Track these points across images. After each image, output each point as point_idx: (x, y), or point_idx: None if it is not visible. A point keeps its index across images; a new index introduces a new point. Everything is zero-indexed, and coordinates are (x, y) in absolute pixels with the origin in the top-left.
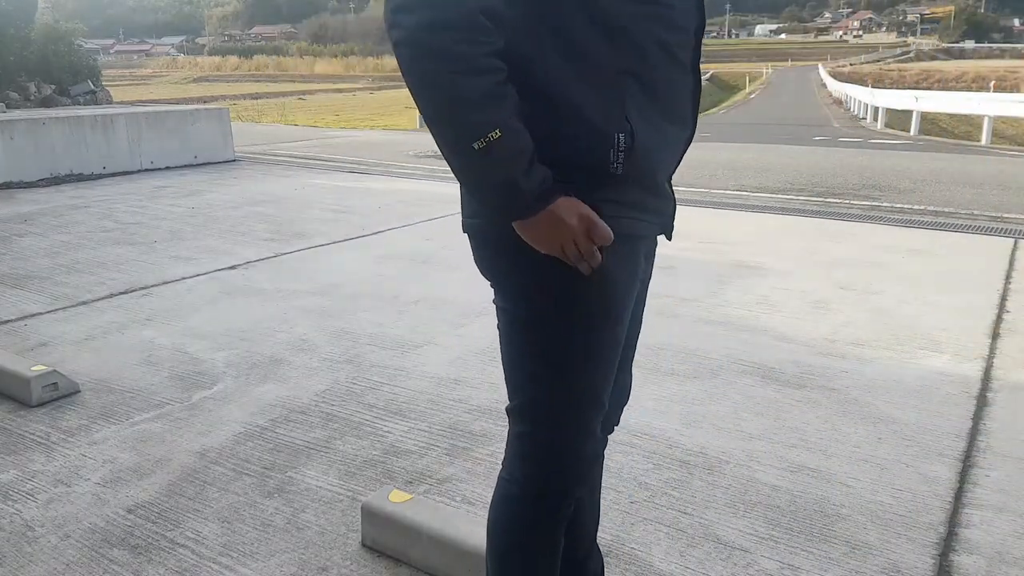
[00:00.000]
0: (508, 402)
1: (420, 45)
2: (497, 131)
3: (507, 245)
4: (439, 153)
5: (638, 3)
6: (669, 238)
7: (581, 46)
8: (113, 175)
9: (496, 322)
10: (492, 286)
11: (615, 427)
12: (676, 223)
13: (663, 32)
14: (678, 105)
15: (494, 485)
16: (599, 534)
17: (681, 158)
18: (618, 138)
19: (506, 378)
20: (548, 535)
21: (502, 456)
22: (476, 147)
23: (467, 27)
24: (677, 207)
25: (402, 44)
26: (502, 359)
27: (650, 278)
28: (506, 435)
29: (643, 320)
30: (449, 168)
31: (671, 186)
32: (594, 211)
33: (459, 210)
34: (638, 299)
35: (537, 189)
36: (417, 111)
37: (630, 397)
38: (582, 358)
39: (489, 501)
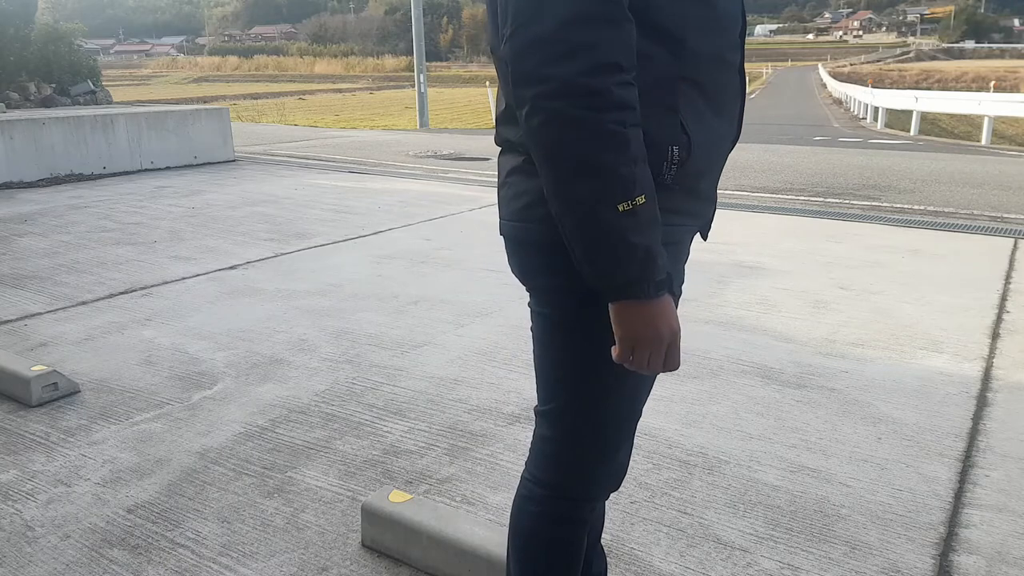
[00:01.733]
0: (538, 405)
1: (558, 111)
2: (643, 196)
3: (540, 247)
4: (439, 153)
5: (691, 6)
6: (704, 238)
7: (638, 54)
8: (113, 175)
9: (531, 326)
10: (527, 289)
11: None
12: None
13: (716, 37)
14: (727, 107)
15: (494, 485)
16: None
17: (726, 159)
18: (671, 151)
19: (537, 381)
20: (568, 537)
21: (502, 456)
22: (620, 209)
23: (614, 55)
24: (717, 208)
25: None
26: (534, 362)
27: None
28: (506, 435)
29: None
30: (566, 230)
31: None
32: None
33: (459, 210)
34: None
35: (663, 272)
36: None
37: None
38: (612, 364)
39: (489, 501)
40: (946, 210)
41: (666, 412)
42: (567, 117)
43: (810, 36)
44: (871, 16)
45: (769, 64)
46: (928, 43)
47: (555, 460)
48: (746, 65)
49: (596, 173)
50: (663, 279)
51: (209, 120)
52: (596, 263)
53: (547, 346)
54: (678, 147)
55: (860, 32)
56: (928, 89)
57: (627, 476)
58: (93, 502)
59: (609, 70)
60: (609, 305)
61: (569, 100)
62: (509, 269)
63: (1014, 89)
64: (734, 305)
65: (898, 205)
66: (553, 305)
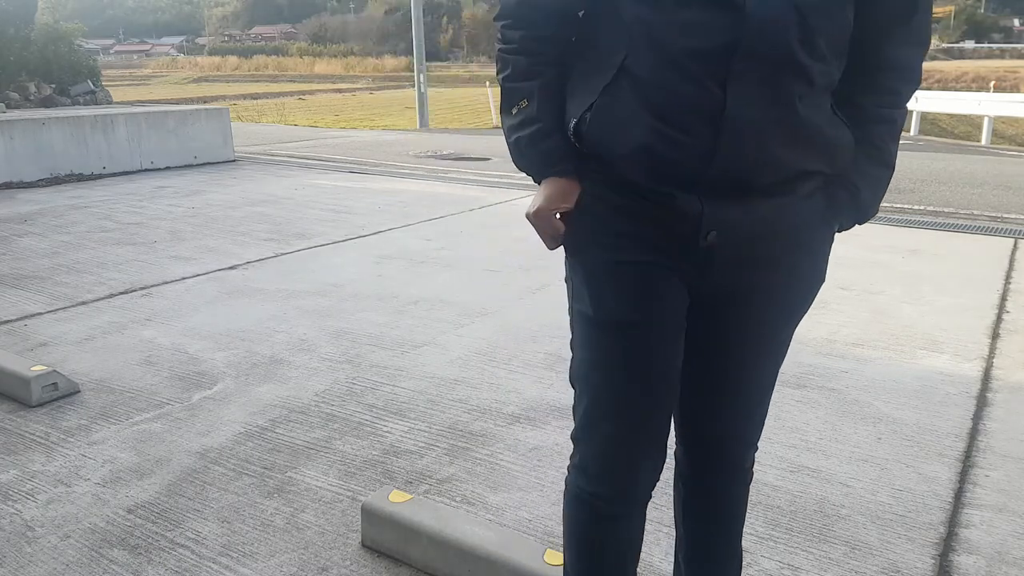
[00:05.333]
0: None
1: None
2: (525, 101)
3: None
4: (439, 153)
5: (651, 11)
6: (696, 248)
7: (590, 37)
8: (113, 175)
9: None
10: None
11: (737, 462)
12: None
13: (673, 42)
14: (675, 114)
15: (494, 485)
16: None
17: (703, 175)
18: (570, 123)
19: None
20: (588, 533)
21: (502, 456)
22: (513, 112)
23: (512, 14)
24: (713, 218)
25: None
26: None
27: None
28: (506, 435)
29: (730, 349)
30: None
31: (700, 199)
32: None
33: (459, 211)
34: (722, 323)
35: (540, 160)
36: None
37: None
38: (588, 361)
39: (489, 501)
40: (946, 210)
41: None
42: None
43: None
44: None
45: None
46: None
47: (572, 451)
48: None
49: (501, 89)
50: (545, 163)
51: (209, 120)
52: (512, 158)
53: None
54: (576, 120)
55: None
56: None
57: None
58: (93, 502)
59: (502, 17)
60: None
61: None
62: (509, 269)
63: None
64: None
65: (898, 205)
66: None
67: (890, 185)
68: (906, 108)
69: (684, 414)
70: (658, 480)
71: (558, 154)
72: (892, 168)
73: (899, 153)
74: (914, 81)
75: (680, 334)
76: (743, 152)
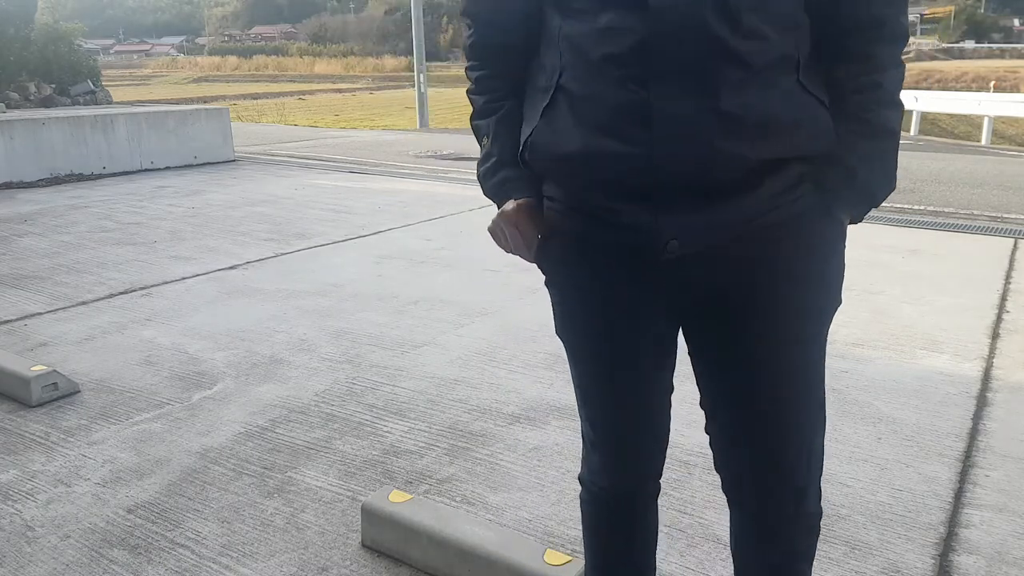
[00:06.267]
0: None
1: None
2: (485, 138)
3: None
4: (439, 153)
5: (574, 22)
6: (663, 261)
7: (539, 60)
8: (113, 175)
9: None
10: None
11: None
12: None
13: (595, 49)
14: (599, 119)
15: (494, 485)
16: None
17: (649, 182)
18: (522, 142)
19: None
20: (588, 520)
21: (502, 456)
22: (481, 147)
23: (471, 57)
24: (680, 223)
25: None
26: None
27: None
28: (506, 435)
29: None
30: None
31: (654, 209)
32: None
33: (459, 210)
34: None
35: (493, 191)
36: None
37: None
38: (572, 371)
39: (489, 501)
40: (946, 210)
41: None
42: None
43: None
44: None
45: None
46: (928, 43)
47: None
48: None
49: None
50: (496, 193)
51: (209, 120)
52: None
53: None
54: (521, 147)
55: None
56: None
57: None
58: (93, 502)
59: (468, 60)
60: None
61: None
62: (509, 269)
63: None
64: None
65: (898, 205)
66: None
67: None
68: (896, 70)
69: (711, 440)
70: (662, 467)
71: (511, 185)
72: (891, 137)
73: (899, 153)
74: (890, 38)
75: (660, 356)
76: (680, 151)
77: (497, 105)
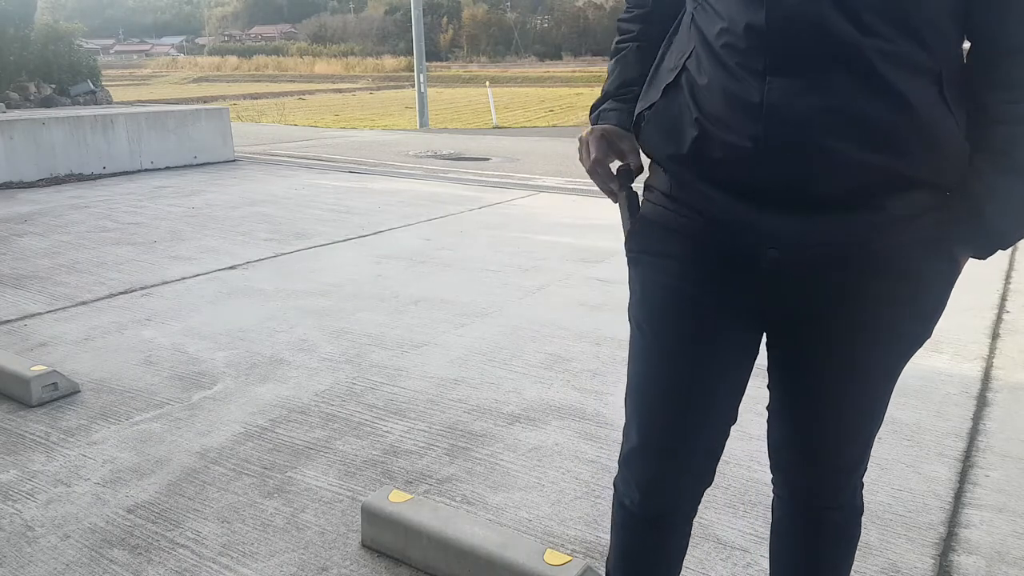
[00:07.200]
0: None
1: None
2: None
3: None
4: (439, 153)
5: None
6: (756, 270)
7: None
8: (113, 175)
9: None
10: None
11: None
12: None
13: (712, 28)
14: (722, 112)
15: (494, 485)
16: (599, 535)
17: (753, 178)
18: (640, 113)
19: None
20: (623, 537)
21: (502, 456)
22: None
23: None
24: (780, 232)
25: None
26: None
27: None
28: (506, 435)
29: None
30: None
31: (756, 209)
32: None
33: (459, 210)
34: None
35: (592, 118)
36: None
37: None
38: (631, 360)
39: (489, 501)
40: None
41: None
42: None
43: None
44: None
45: None
46: None
47: None
48: None
49: None
50: (593, 120)
51: (209, 120)
52: None
53: None
54: (636, 117)
55: None
56: None
57: None
58: (93, 502)
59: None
60: None
61: None
62: (509, 269)
63: None
64: None
65: None
66: None
67: None
68: None
69: (770, 443)
70: (702, 495)
71: (604, 114)
72: None
73: None
74: None
75: (737, 364)
76: (789, 148)
77: (624, 46)
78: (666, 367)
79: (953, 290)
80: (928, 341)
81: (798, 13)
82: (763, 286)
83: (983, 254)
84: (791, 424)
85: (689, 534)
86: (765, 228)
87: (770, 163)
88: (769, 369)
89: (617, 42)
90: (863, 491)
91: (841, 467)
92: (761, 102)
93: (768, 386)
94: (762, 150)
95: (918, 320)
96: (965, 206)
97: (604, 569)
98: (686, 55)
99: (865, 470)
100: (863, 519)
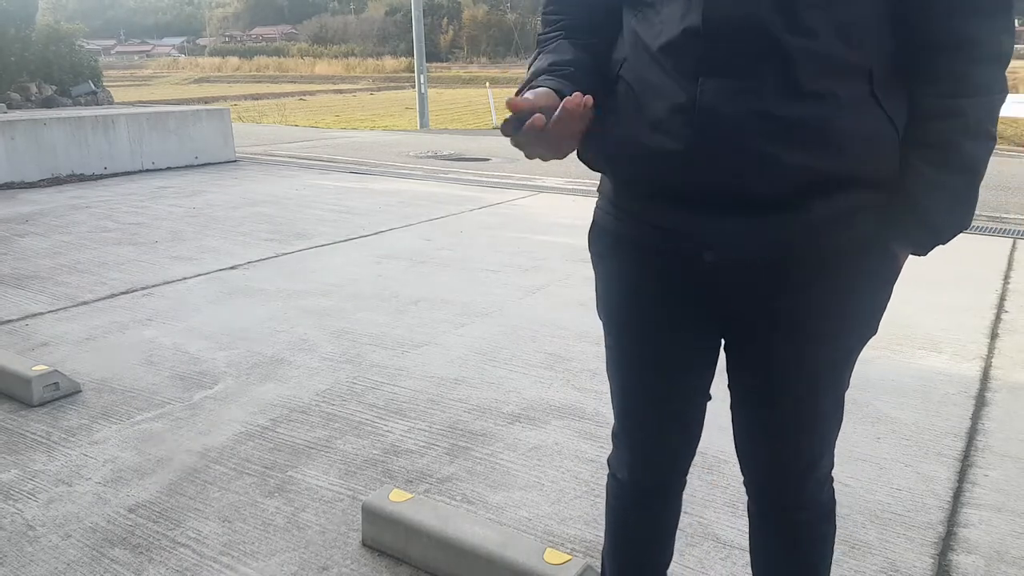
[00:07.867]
0: None
1: None
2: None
3: None
4: (439, 154)
5: (637, 8)
6: (700, 271)
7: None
8: (114, 175)
9: None
10: None
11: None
12: None
13: (645, 33)
14: (650, 110)
15: (494, 485)
16: (598, 534)
17: (688, 181)
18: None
19: None
20: (611, 501)
21: (502, 456)
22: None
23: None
24: (732, 232)
25: None
26: None
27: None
28: (506, 435)
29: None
30: None
31: (692, 212)
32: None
33: (459, 210)
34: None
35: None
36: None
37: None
38: (605, 349)
39: (489, 501)
40: None
41: None
42: None
43: None
44: None
45: None
46: None
47: None
48: None
49: None
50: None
51: (210, 120)
52: None
53: None
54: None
55: None
56: None
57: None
58: (94, 501)
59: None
60: None
61: None
62: (509, 269)
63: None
64: None
65: None
66: None
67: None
68: (989, 97)
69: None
70: (688, 465)
71: (535, 82)
72: (967, 172)
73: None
74: (986, 59)
75: (695, 360)
76: (720, 151)
77: (546, 44)
78: (626, 361)
79: (942, 288)
80: (927, 341)
81: (735, 14)
82: (705, 288)
83: (921, 250)
84: (745, 423)
85: (679, 509)
86: (700, 231)
87: (702, 166)
88: (727, 369)
89: (540, 44)
90: (833, 486)
91: (800, 466)
92: (693, 104)
93: (727, 386)
94: (694, 153)
95: (859, 318)
96: (901, 202)
97: (600, 563)
98: (619, 64)
99: (830, 468)
100: (861, 518)
